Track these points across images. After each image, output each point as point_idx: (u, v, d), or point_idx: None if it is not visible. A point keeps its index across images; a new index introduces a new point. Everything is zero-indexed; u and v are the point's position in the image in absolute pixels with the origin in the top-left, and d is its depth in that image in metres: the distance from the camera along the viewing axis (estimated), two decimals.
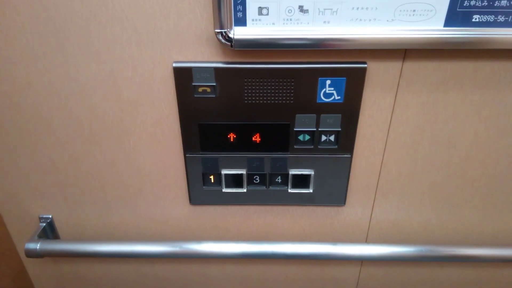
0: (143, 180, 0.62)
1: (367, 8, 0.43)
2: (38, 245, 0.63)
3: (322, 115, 0.54)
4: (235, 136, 0.56)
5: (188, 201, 0.64)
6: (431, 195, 0.62)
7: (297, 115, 0.54)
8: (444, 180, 0.61)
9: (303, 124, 0.55)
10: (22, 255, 0.73)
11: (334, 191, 0.62)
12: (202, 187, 0.61)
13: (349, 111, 0.54)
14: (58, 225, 0.68)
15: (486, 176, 0.60)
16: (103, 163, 0.60)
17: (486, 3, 0.43)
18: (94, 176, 0.61)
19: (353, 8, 0.43)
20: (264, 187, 0.61)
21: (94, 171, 0.61)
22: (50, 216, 0.67)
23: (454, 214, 0.64)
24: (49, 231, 0.68)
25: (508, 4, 0.43)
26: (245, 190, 0.61)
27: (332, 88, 0.52)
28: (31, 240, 0.64)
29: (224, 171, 0.59)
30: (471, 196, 0.62)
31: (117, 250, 0.65)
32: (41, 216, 0.67)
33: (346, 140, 0.56)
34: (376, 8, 0.43)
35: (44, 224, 0.66)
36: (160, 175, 0.61)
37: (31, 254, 0.64)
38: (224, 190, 0.61)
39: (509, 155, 0.57)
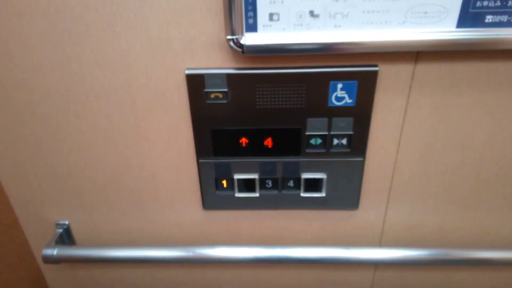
0: (158, 185, 0.62)
1: (378, 11, 0.43)
2: (55, 251, 0.64)
3: (334, 118, 0.54)
4: (247, 141, 0.56)
5: (202, 206, 0.64)
6: (445, 197, 0.62)
7: (309, 119, 0.54)
8: (458, 182, 0.60)
9: (315, 128, 0.55)
10: (40, 261, 0.74)
11: (347, 195, 0.62)
12: (215, 192, 0.62)
13: (361, 114, 0.53)
14: (74, 230, 0.69)
15: (501, 178, 0.59)
16: (118, 169, 0.61)
17: (499, 3, 0.43)
18: (109, 182, 0.62)
19: (363, 12, 0.44)
20: (276, 191, 0.61)
21: (109, 177, 0.62)
22: (67, 222, 0.68)
23: (469, 216, 0.64)
24: (66, 237, 0.69)
25: None
26: (257, 195, 0.62)
27: (344, 92, 0.52)
28: (48, 246, 0.65)
29: (237, 176, 0.60)
30: (486, 198, 0.61)
31: (132, 255, 0.65)
32: (58, 222, 0.68)
33: (358, 143, 0.56)
34: (387, 11, 0.43)
35: (61, 230, 0.68)
36: (174, 180, 0.62)
37: (48, 260, 0.65)
38: (237, 194, 0.62)
39: None
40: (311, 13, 0.44)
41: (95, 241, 0.70)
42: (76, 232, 0.69)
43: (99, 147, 0.59)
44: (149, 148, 0.59)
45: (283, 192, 0.61)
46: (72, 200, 0.65)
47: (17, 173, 0.62)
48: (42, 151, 0.60)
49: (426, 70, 0.50)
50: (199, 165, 0.59)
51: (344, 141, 0.56)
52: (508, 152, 0.56)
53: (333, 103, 0.53)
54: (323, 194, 0.61)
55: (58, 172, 0.62)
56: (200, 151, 0.58)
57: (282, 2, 0.43)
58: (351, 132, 0.55)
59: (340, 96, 0.52)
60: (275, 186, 0.61)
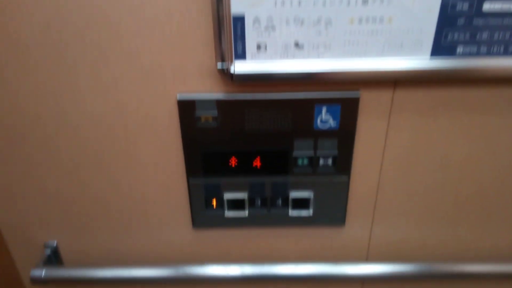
0: (147, 205, 0.63)
1: (358, 42, 0.46)
2: (44, 272, 0.65)
3: (319, 140, 0.56)
4: (236, 162, 0.58)
5: (191, 225, 0.65)
6: (427, 214, 0.64)
7: (296, 141, 0.57)
8: (439, 200, 0.63)
9: (301, 149, 0.57)
10: (27, 283, 0.74)
11: (333, 212, 0.64)
12: (204, 211, 0.63)
13: (345, 136, 0.56)
14: (62, 251, 0.69)
15: (479, 195, 0.62)
16: (108, 190, 0.62)
17: (469, 36, 0.46)
18: (99, 203, 0.63)
19: (344, 43, 0.47)
20: (265, 210, 0.63)
21: (99, 198, 0.63)
22: (55, 243, 0.68)
23: (451, 232, 0.66)
24: (54, 258, 0.69)
25: (488, 37, 0.46)
26: (246, 214, 0.63)
27: (328, 115, 0.54)
28: (36, 267, 0.65)
29: (226, 196, 0.61)
30: (466, 214, 0.64)
31: (121, 275, 0.66)
32: (46, 243, 0.68)
33: (343, 163, 0.59)
34: (366, 43, 0.47)
35: (49, 251, 0.68)
36: (164, 200, 0.63)
37: (36, 281, 0.65)
38: (226, 214, 0.63)
39: (500, 173, 0.60)
40: (296, 44, 0.47)
41: (83, 262, 0.70)
42: (64, 253, 0.70)
43: (90, 169, 0.60)
44: (140, 170, 0.60)
45: (272, 211, 0.63)
46: (61, 220, 0.65)
47: (5, 195, 0.63)
48: (32, 173, 0.60)
49: (405, 96, 0.53)
50: (189, 185, 0.61)
51: (329, 161, 0.59)
52: (484, 171, 0.60)
53: (318, 126, 0.55)
54: (310, 212, 0.63)
55: (47, 193, 0.63)
56: (190, 172, 0.59)
57: (269, 34, 0.46)
58: (336, 153, 0.58)
59: (325, 119, 0.55)
60: (263, 205, 0.63)
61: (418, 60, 0.47)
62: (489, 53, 0.47)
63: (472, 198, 0.62)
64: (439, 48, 0.47)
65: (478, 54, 0.47)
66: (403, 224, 0.66)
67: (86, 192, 0.62)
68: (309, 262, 0.66)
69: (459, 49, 0.47)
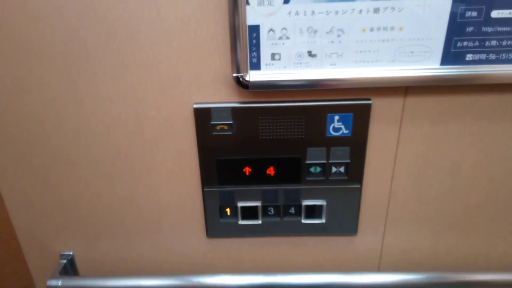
0: (162, 214, 0.64)
1: (369, 51, 0.48)
2: (60, 282, 0.65)
3: (332, 148, 0.57)
4: (250, 170, 0.59)
5: (205, 234, 0.66)
6: (438, 222, 0.64)
7: (309, 149, 0.58)
8: (450, 207, 0.63)
9: (314, 157, 0.58)
10: None
11: (345, 221, 0.64)
12: (219, 219, 0.64)
13: (357, 144, 0.57)
14: (77, 260, 0.70)
15: (489, 202, 0.62)
16: (123, 198, 0.63)
17: (478, 43, 0.48)
18: (114, 212, 0.64)
19: (356, 52, 0.48)
20: (278, 219, 0.64)
21: (115, 207, 0.64)
22: (71, 253, 0.69)
23: (461, 240, 0.66)
24: (69, 268, 0.69)
25: (497, 44, 0.48)
26: (260, 222, 0.64)
27: (341, 123, 0.56)
28: (53, 277, 0.65)
29: (240, 204, 0.62)
30: (476, 222, 0.64)
31: (135, 285, 0.66)
32: (62, 253, 0.69)
33: (355, 171, 0.59)
34: (378, 51, 0.48)
35: (65, 261, 0.68)
36: (179, 209, 0.64)
37: None
38: (240, 222, 0.64)
39: (510, 181, 0.60)
40: (309, 53, 0.48)
41: (98, 271, 0.71)
42: (79, 262, 0.70)
43: (106, 177, 0.61)
44: (155, 178, 0.61)
45: (285, 219, 0.64)
46: (77, 230, 0.66)
47: (24, 204, 0.64)
48: (50, 182, 0.62)
49: (416, 103, 0.54)
50: (204, 194, 0.61)
51: (342, 169, 0.59)
52: (494, 178, 0.60)
53: (331, 134, 0.56)
54: (323, 221, 0.64)
55: (64, 202, 0.64)
56: (205, 180, 0.60)
57: (283, 43, 0.48)
58: (348, 161, 0.58)
59: (337, 127, 0.56)
60: (277, 213, 0.63)
61: (429, 68, 0.49)
62: (498, 60, 0.48)
63: (482, 206, 0.63)
64: (449, 55, 0.48)
65: (487, 61, 0.48)
66: (415, 232, 0.66)
67: (101, 201, 0.63)
68: (322, 272, 0.66)
69: (468, 57, 0.48)
